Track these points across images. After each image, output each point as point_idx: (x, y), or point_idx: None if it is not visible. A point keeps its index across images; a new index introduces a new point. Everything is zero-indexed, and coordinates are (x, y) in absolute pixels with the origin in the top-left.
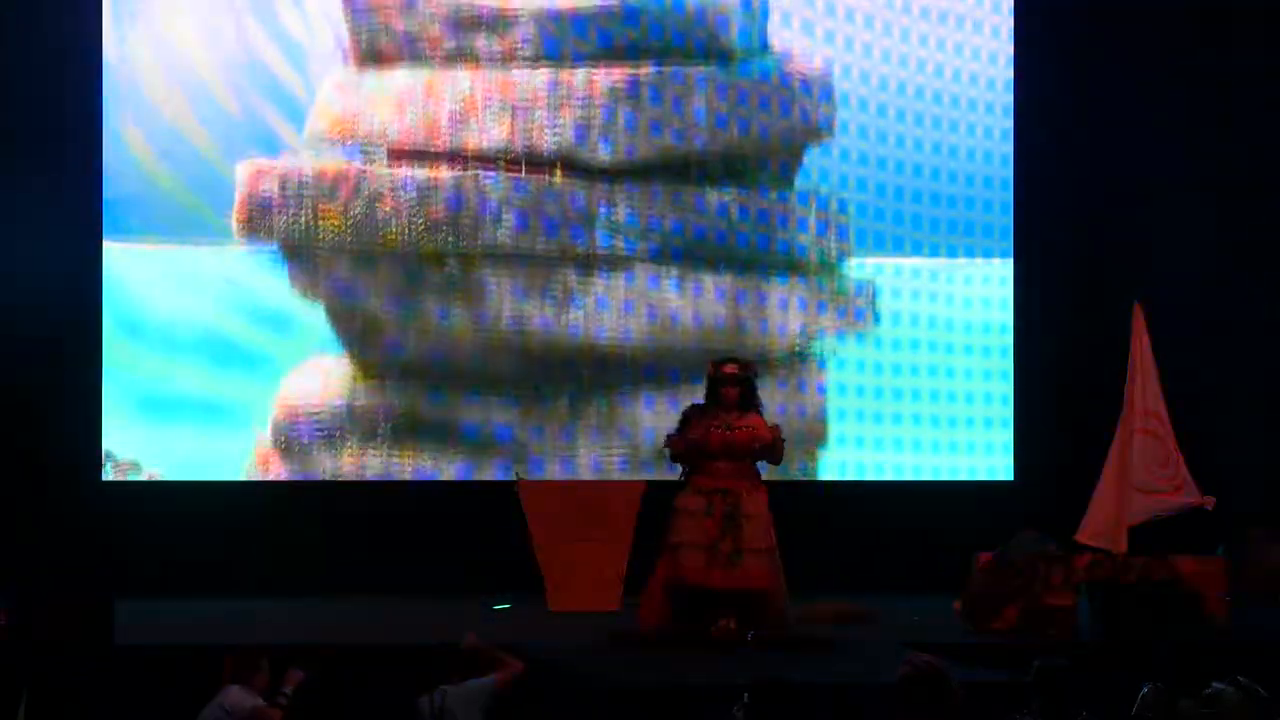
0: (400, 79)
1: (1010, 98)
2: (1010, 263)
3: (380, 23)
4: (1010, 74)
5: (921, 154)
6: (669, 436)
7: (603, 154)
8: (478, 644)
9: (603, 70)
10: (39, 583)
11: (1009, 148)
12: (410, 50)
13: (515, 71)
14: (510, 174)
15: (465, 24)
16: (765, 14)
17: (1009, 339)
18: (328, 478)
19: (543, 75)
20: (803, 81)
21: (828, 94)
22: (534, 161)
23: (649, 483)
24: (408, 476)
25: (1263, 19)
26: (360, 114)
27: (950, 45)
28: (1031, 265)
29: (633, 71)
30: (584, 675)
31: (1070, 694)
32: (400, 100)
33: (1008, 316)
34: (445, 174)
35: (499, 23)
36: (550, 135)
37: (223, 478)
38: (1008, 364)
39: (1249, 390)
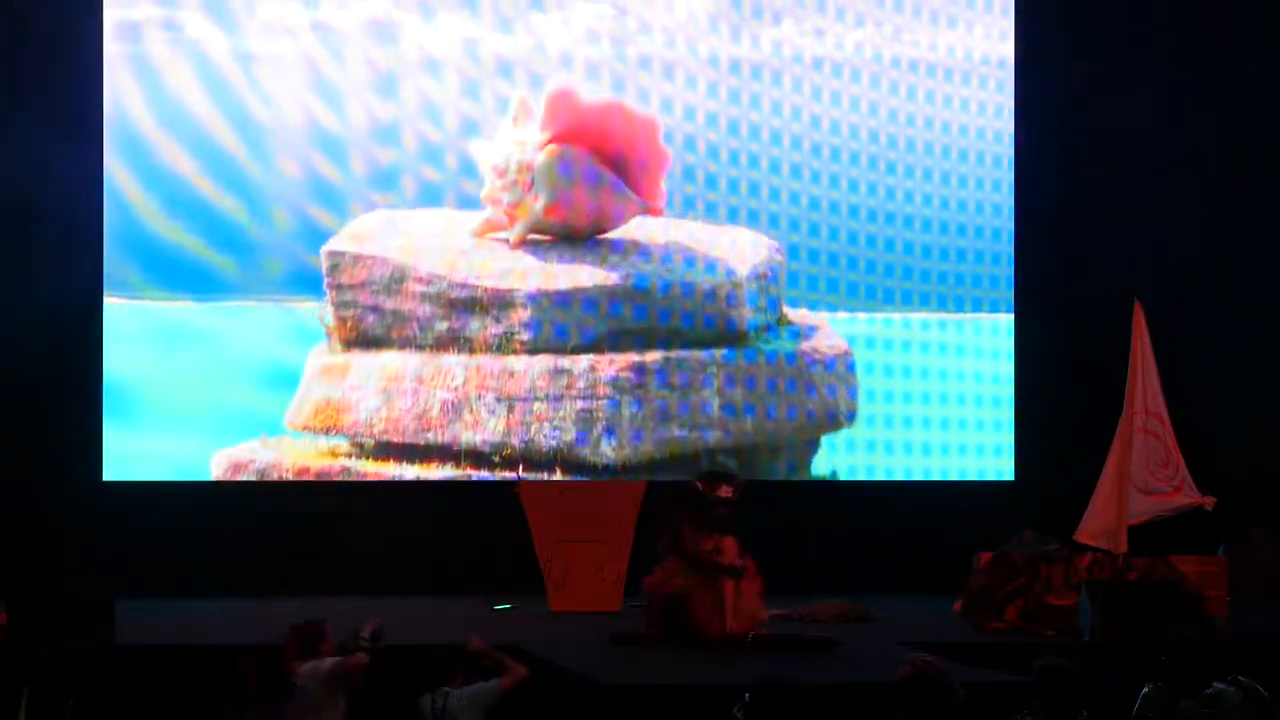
0: (389, 364)
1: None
2: (1011, 268)
3: (367, 302)
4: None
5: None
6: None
7: (606, 450)
8: (482, 647)
9: (607, 357)
10: (39, 583)
11: (1008, 144)
12: (400, 332)
13: (513, 359)
14: (506, 474)
15: (459, 305)
16: (775, 301)
17: (1009, 341)
18: (328, 478)
19: (542, 363)
20: (817, 362)
21: (849, 370)
22: (532, 459)
23: (649, 483)
24: (408, 476)
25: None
26: (345, 402)
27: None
28: (1033, 269)
29: (638, 358)
30: (584, 675)
31: (1070, 694)
32: (388, 389)
33: (1009, 319)
34: (435, 474)
35: (495, 303)
36: (550, 430)
37: (223, 478)
38: (1008, 365)
39: (1249, 390)
